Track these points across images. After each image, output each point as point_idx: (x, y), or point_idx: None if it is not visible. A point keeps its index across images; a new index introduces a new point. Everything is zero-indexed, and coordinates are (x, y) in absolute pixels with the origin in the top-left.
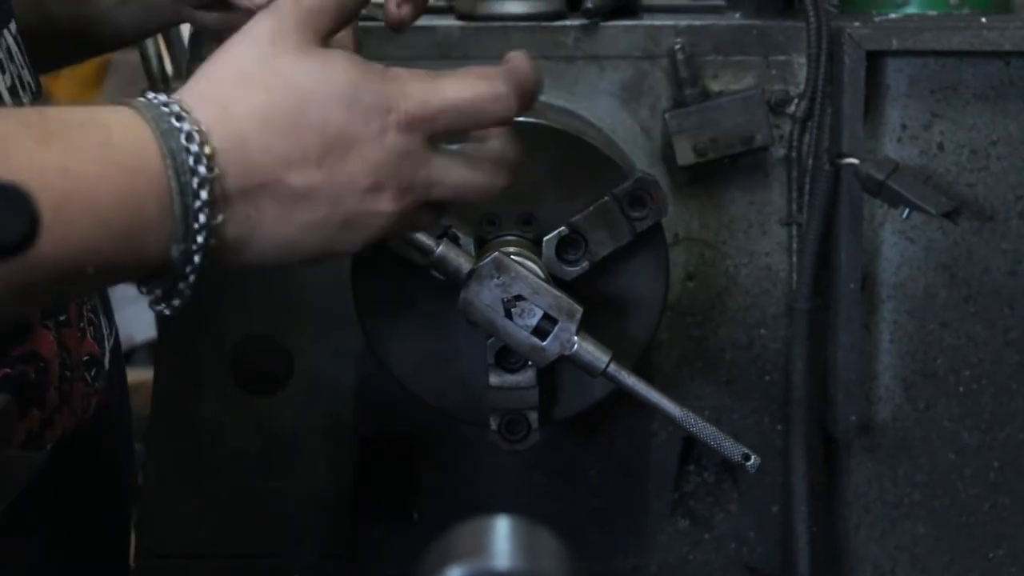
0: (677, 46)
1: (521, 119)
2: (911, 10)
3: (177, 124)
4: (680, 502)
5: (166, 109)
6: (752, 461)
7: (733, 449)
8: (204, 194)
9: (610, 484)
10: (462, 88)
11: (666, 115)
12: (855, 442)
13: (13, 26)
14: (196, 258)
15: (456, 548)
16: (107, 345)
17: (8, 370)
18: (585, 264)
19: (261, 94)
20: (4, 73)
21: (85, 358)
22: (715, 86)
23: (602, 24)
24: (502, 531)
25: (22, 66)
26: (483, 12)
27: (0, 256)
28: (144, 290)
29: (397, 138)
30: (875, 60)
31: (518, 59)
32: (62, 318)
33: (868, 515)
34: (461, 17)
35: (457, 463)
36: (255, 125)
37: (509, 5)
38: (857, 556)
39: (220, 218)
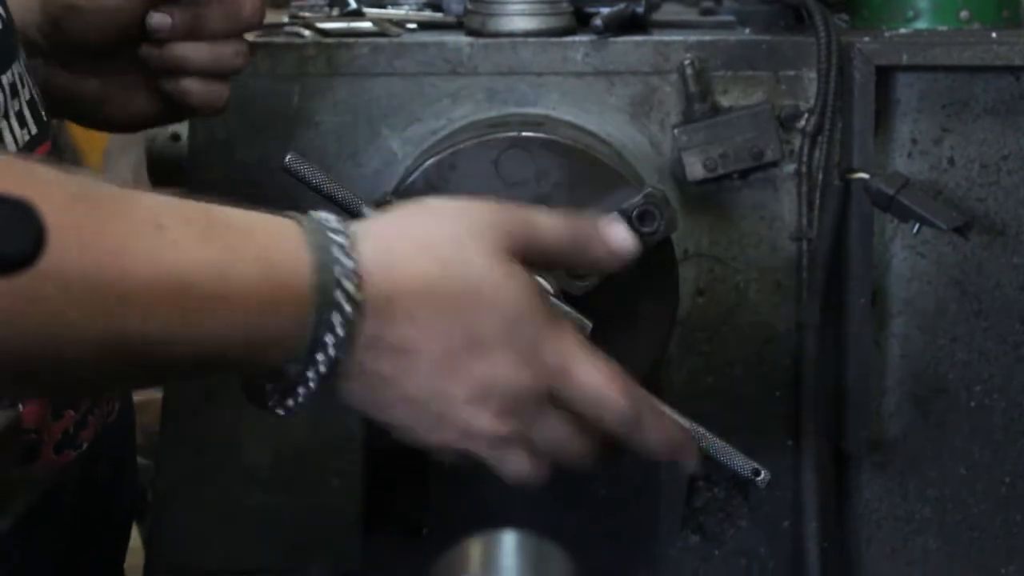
0: (687, 61)
1: (529, 134)
2: (921, 25)
3: (339, 259)
4: (690, 518)
5: (334, 239)
6: (762, 476)
7: (743, 464)
8: (340, 332)
9: (620, 500)
10: (603, 378)
11: (675, 130)
12: (866, 457)
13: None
14: (310, 382)
15: (463, 562)
16: None
17: None
18: (595, 279)
19: (433, 267)
20: (23, 87)
21: None
22: (725, 101)
23: (611, 40)
24: (509, 546)
25: (33, 84)
26: (492, 28)
27: (3, 271)
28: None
29: (524, 379)
30: (885, 75)
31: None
32: None
33: (879, 531)
34: (471, 33)
35: (467, 479)
36: (411, 293)
37: (518, 21)
38: (868, 572)
39: (339, 366)
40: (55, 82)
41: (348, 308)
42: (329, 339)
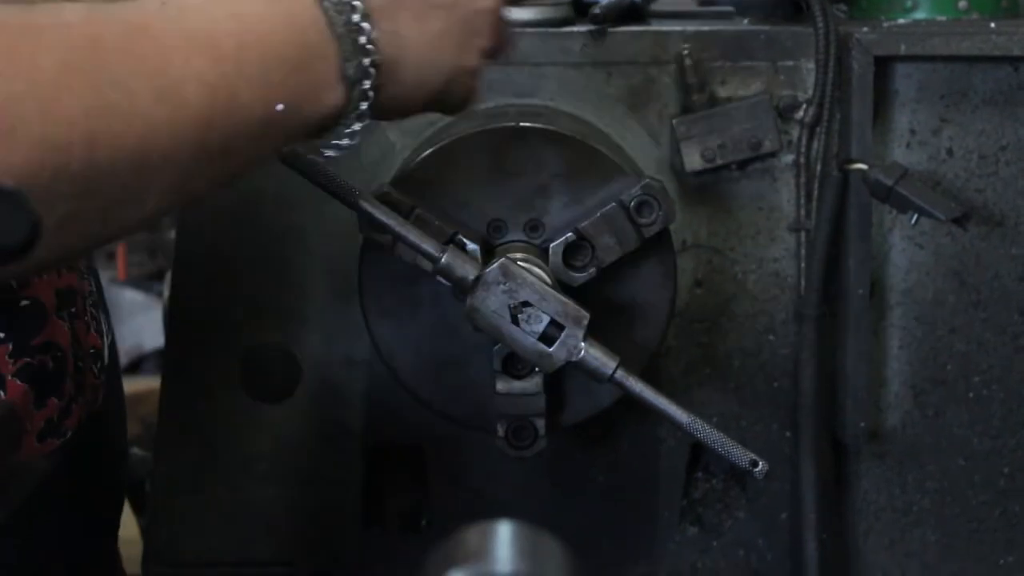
0: (685, 52)
1: (528, 124)
2: (919, 15)
3: None
4: (688, 509)
5: None
6: (760, 467)
7: (741, 456)
8: (356, 16)
9: (618, 492)
10: None
11: (674, 121)
12: (864, 448)
13: None
14: (371, 72)
15: (458, 552)
16: (106, 341)
17: (29, 359)
18: (592, 270)
19: None
20: None
21: (91, 350)
22: (723, 92)
23: (610, 30)
24: (504, 535)
25: None
26: None
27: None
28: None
29: None
30: (883, 65)
31: None
32: (72, 309)
33: (877, 522)
34: None
35: (466, 472)
36: None
37: (517, 12)
38: (866, 563)
39: (375, 31)
40: None
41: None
42: (354, 19)
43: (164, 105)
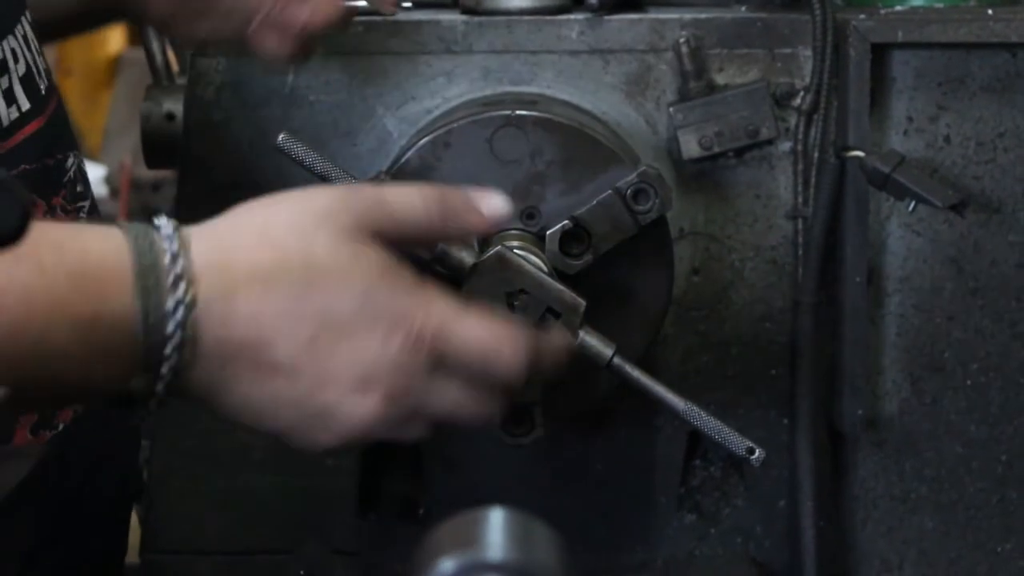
0: (682, 39)
1: (524, 112)
2: (917, 2)
3: (164, 263)
4: (686, 496)
5: (160, 243)
6: (757, 455)
7: (738, 443)
8: (176, 336)
9: (616, 479)
10: (484, 334)
11: (671, 108)
12: (862, 436)
13: (28, 16)
14: (159, 388)
15: (450, 539)
16: None
17: None
18: (589, 258)
19: (272, 256)
20: (17, 62)
21: None
22: (720, 79)
23: (607, 17)
24: (495, 522)
25: (38, 53)
26: (487, 6)
27: None
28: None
29: (400, 352)
30: (880, 53)
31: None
32: None
33: (875, 510)
34: (465, 11)
35: (463, 460)
36: (252, 286)
37: None
38: (864, 550)
39: (189, 371)
40: None
41: (180, 313)
42: (167, 351)
43: None
